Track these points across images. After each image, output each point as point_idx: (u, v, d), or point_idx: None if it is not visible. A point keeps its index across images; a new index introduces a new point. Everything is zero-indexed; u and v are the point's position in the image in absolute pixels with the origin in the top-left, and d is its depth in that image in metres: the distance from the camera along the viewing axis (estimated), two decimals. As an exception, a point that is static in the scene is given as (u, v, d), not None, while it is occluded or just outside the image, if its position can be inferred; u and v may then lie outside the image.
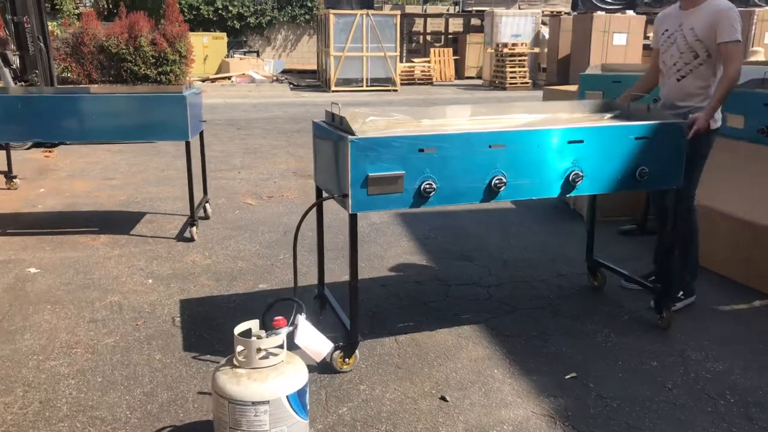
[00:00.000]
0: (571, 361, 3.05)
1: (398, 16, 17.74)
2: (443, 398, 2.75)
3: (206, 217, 5.36)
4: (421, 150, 2.78)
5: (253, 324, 2.33)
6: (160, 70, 15.57)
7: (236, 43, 22.08)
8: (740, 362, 3.04)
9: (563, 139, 2.89)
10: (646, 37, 18.09)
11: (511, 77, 17.76)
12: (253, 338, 2.24)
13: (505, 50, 17.88)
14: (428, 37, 23.72)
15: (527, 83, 17.96)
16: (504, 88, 17.68)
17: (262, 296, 3.84)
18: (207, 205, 5.42)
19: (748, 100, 4.24)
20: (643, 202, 4.95)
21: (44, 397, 2.76)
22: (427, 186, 2.80)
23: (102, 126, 4.51)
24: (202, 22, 21.56)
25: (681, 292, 3.56)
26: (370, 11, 17.58)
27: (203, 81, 18.25)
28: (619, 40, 17.38)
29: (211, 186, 6.05)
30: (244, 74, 18.57)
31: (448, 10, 23.94)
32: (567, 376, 2.91)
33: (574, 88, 9.22)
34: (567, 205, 5.69)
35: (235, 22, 22.04)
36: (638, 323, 3.45)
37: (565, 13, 21.16)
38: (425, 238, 4.88)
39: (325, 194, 3.17)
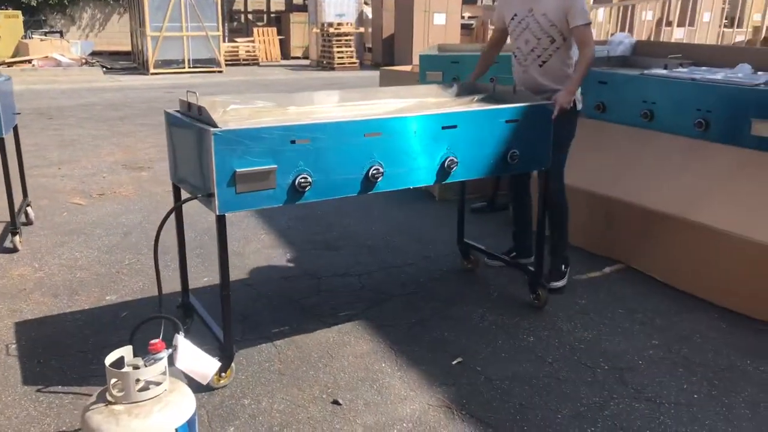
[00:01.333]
0: (454, 346, 3.05)
1: (219, -6, 16.95)
2: (336, 402, 2.61)
3: (29, 223, 4.71)
4: (294, 141, 2.58)
5: (126, 351, 2.02)
6: (-57, 53, 13.61)
7: (34, 22, 19.90)
8: (606, 329, 3.22)
9: (438, 125, 2.83)
10: (462, 17, 18.90)
11: (339, 57, 17.73)
12: (130, 368, 1.94)
13: (331, 30, 17.81)
14: (250, 16, 23.01)
15: (355, 63, 18.05)
16: (332, 68, 17.63)
17: (112, 309, 3.43)
18: (29, 208, 4.76)
19: (585, 78, 4.49)
20: (492, 180, 5.11)
21: None
22: (302, 180, 2.60)
23: None
24: (-9, -1, 19.15)
25: (563, 265, 3.67)
26: (188, -12, 16.62)
27: (-2, 65, 16.23)
28: (438, 20, 17.97)
29: (30, 186, 5.33)
30: (47, 57, 16.76)
31: (268, -11, 23.34)
32: (453, 362, 2.90)
33: (408, 68, 9.36)
34: (417, 185, 5.74)
35: (31, -2, 19.83)
36: (508, 300, 3.53)
37: (386, -8, 21.47)
38: (285, 230, 4.67)
39: (184, 193, 2.86)
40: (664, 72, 4.30)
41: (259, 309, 3.43)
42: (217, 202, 2.49)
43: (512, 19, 3.47)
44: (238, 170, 2.48)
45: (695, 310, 3.42)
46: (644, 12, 16.78)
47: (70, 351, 2.99)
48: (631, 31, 15.30)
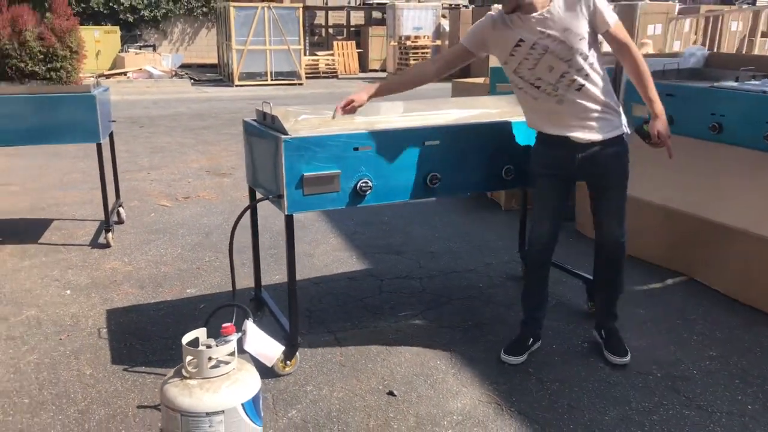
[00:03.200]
0: (509, 348, 3.15)
1: (301, 9, 17.58)
2: (391, 393, 2.77)
3: (120, 222, 5.12)
4: (356, 148, 2.78)
5: (201, 333, 2.25)
6: (49, 66, 14.65)
7: (130, 37, 21.14)
8: (662, 338, 3.24)
9: (495, 134, 2.97)
10: (541, 30, 18.78)
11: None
12: (203, 347, 2.17)
13: (408, 43, 18.12)
14: (330, 30, 23.63)
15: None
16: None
17: (191, 302, 3.72)
18: (120, 208, 5.17)
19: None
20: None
21: (-34, 424, 2.57)
22: (363, 184, 2.80)
23: (3, 129, 4.20)
24: (93, 15, 20.49)
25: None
26: (272, 3, 17.33)
27: (97, 77, 17.35)
28: (516, 33, 17.97)
29: (122, 188, 5.77)
30: (141, 69, 17.81)
31: (349, 3, 23.93)
32: (507, 363, 3.01)
33: (481, 80, 9.47)
34: (483, 194, 5.85)
35: (128, 15, 21.09)
36: (565, 307, 3.60)
37: (464, 6, 21.65)
38: (352, 234, 4.88)
39: (258, 195, 3.11)
40: (734, 84, 4.25)
41: (325, 305, 3.64)
42: (286, 202, 2.71)
43: (517, 46, 2.72)
44: (305, 174, 2.70)
45: (758, 324, 3.39)
46: (732, 22, 16.22)
47: (154, 337, 3.29)
48: (719, 42, 14.83)
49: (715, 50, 11.84)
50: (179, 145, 8.71)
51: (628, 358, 3.01)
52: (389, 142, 2.82)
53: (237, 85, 16.75)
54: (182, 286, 3.93)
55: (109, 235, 4.60)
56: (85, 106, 4.28)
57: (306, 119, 3.23)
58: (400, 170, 2.85)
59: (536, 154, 2.98)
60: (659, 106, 2.80)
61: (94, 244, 4.68)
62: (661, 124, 2.80)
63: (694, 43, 13.62)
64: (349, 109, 2.92)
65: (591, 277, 3.51)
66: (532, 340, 3.09)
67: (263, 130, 2.91)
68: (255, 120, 3.12)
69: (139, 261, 4.34)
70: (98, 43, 18.87)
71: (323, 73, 19.56)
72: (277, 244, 4.65)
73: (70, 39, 14.83)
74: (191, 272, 4.15)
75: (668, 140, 2.82)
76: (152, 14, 21.51)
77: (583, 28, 2.66)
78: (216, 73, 19.50)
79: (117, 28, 19.94)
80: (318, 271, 4.17)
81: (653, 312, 3.54)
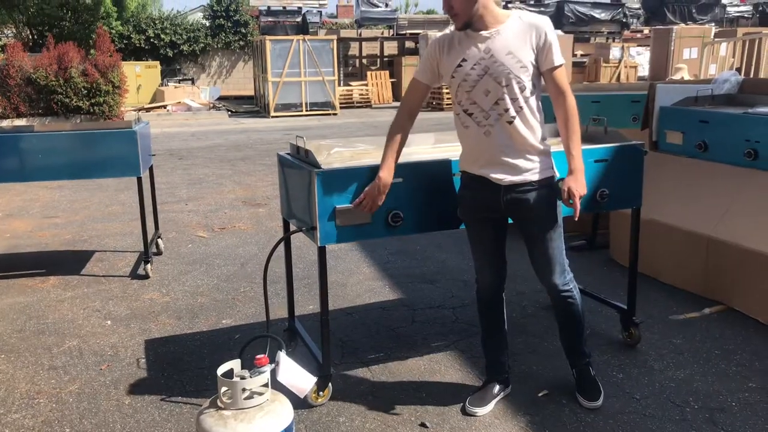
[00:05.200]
0: (542, 379, 3.13)
1: (335, 41, 17.89)
2: (423, 425, 2.77)
3: (159, 253, 5.25)
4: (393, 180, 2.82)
5: (235, 364, 2.30)
6: (93, 101, 15.08)
7: (170, 71, 21.76)
8: (700, 369, 3.18)
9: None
10: (574, 55, 18.79)
11: (448, 98, 18.10)
12: (237, 379, 2.22)
13: (441, 71, 18.24)
14: (364, 61, 23.96)
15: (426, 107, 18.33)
16: (441, 109, 18.02)
17: (227, 332, 3.78)
18: (159, 240, 5.30)
19: (686, 118, 4.48)
20: (591, 218, 5.13)
21: (10, 453, 2.65)
22: (395, 216, 2.84)
23: (49, 165, 4.37)
24: (134, 51, 21.18)
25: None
26: (307, 36, 17.67)
27: (138, 111, 17.86)
28: (549, 59, 17.98)
29: (161, 219, 5.93)
30: (180, 102, 18.29)
31: (382, 34, 24.25)
32: (540, 394, 2.99)
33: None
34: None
35: (167, 50, 21.73)
36: (600, 338, 3.56)
37: (496, 34, 21.75)
38: (385, 263, 4.92)
39: (292, 227, 3.17)
40: (769, 110, 4.21)
41: (357, 336, 3.67)
42: (318, 234, 2.77)
43: (459, 66, 2.62)
44: (338, 206, 2.76)
45: (800, 355, 3.31)
46: (719, 48, 15.97)
47: (190, 367, 3.35)
48: (756, 65, 14.61)
49: (752, 74, 11.68)
50: (216, 176, 8.90)
51: (598, 403, 2.83)
52: (419, 174, 2.86)
53: (273, 116, 17.05)
54: (218, 317, 4.00)
55: (148, 266, 4.72)
56: (126, 141, 4.44)
57: (338, 152, 3.31)
58: (430, 201, 2.89)
59: (462, 198, 2.83)
60: (578, 162, 2.64)
61: (134, 275, 4.80)
62: (574, 182, 2.61)
63: (731, 67, 13.46)
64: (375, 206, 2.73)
65: (625, 307, 3.47)
66: (498, 387, 2.93)
67: (297, 164, 2.98)
68: (289, 153, 3.20)
69: (176, 292, 4.44)
70: (139, 77, 19.45)
71: (357, 102, 19.80)
72: (310, 274, 4.71)
73: (112, 74, 15.27)
74: (227, 303, 4.23)
75: (578, 200, 2.60)
76: (191, 48, 22.13)
77: (527, 57, 2.55)
78: (252, 105, 19.89)
79: (157, 62, 20.55)
80: (350, 301, 4.21)
81: (690, 342, 3.48)
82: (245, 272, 4.81)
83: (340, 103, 18.36)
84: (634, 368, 3.21)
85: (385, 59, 23.72)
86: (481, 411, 2.84)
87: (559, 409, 2.86)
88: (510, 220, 2.87)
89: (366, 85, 20.68)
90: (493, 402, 2.89)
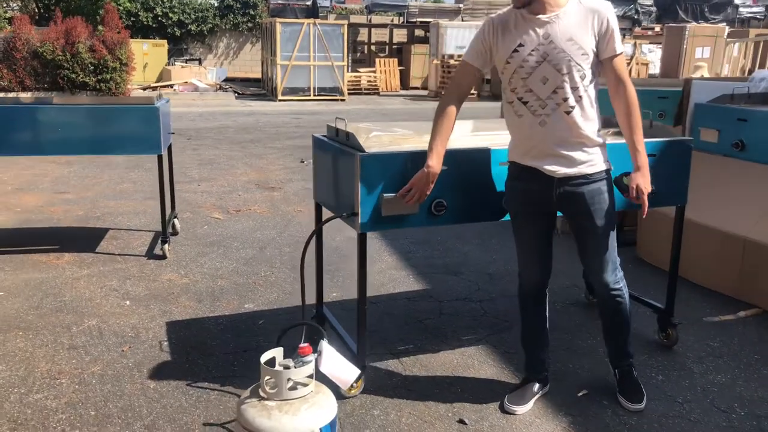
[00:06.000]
0: (579, 378, 3.04)
1: (346, 26, 17.71)
2: (461, 421, 2.68)
3: (175, 233, 5.14)
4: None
5: (277, 352, 2.20)
6: (99, 77, 14.98)
7: (177, 50, 21.56)
8: (741, 374, 3.09)
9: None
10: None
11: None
12: (281, 368, 2.12)
13: (452, 61, 18.09)
14: (373, 47, 23.78)
15: (473, 94, 18.19)
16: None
17: (250, 317, 3.68)
18: (175, 220, 5.19)
19: (723, 116, 4.37)
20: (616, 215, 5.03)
21: (34, 435, 2.55)
22: (438, 204, 2.73)
23: (67, 139, 4.25)
24: (141, 29, 20.96)
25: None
26: (317, 20, 17.50)
27: (144, 89, 17.70)
28: (560, 53, 17.85)
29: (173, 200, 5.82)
30: (187, 82, 18.12)
31: (392, 21, 24.06)
32: (579, 394, 2.89)
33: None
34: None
35: (175, 29, 21.53)
36: (635, 337, 3.46)
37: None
38: (407, 253, 4.82)
39: (326, 212, 3.07)
40: (811, 110, 4.10)
41: (385, 326, 3.57)
42: (360, 221, 2.66)
43: (515, 51, 2.47)
44: (384, 195, 2.64)
45: (842, 363, 3.22)
46: (733, 48, 15.89)
47: (214, 352, 3.25)
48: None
49: None
50: (227, 158, 8.77)
51: (641, 405, 2.73)
52: (465, 162, 2.75)
53: (280, 100, 16.90)
54: (239, 301, 3.90)
55: (166, 246, 4.61)
56: (148, 118, 4.32)
57: (377, 136, 3.20)
58: (475, 191, 2.79)
59: (511, 190, 2.70)
60: (644, 158, 2.54)
61: (150, 254, 4.69)
62: (642, 178, 2.52)
63: (742, 68, 13.35)
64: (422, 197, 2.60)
65: (663, 307, 3.38)
66: (538, 385, 2.83)
67: (336, 147, 2.87)
68: (326, 136, 3.09)
69: (195, 273, 4.33)
70: (146, 55, 19.26)
71: (365, 89, 19.64)
72: (331, 260, 4.60)
73: (120, 51, 15.15)
74: (248, 287, 4.13)
75: (646, 198, 2.52)
76: (199, 29, 21.92)
77: (588, 44, 2.43)
78: (259, 88, 19.72)
79: (165, 41, 20.35)
80: (375, 290, 4.11)
81: (728, 345, 3.39)
82: (264, 256, 4.70)
83: (348, 90, 18.21)
84: (673, 371, 3.12)
85: (394, 47, 23.55)
86: (521, 409, 2.74)
87: (601, 411, 2.76)
88: (560, 214, 2.75)
89: (374, 72, 20.51)
90: (533, 400, 2.80)
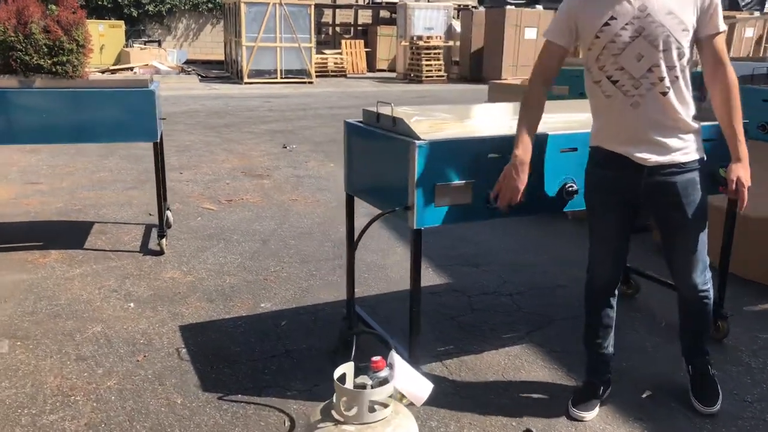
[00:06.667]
0: (637, 377, 2.86)
1: (312, 6, 17.22)
2: (529, 431, 2.47)
3: (168, 226, 4.79)
4: (492, 155, 2.49)
5: (348, 368, 1.95)
6: (55, 60, 14.22)
7: (134, 32, 20.67)
8: (801, 369, 2.97)
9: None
10: (553, 33, 18.59)
11: (427, 70, 17.70)
12: (360, 388, 1.87)
13: (421, 43, 17.82)
14: (338, 29, 23.29)
15: (443, 77, 17.98)
16: (420, 81, 17.61)
17: (269, 317, 3.41)
18: (168, 212, 4.84)
19: (747, 97, 4.23)
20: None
21: (56, 464, 2.25)
22: (496, 196, 2.50)
23: (52, 126, 3.88)
24: (96, 9, 20.01)
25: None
26: (283, 0, 16.96)
27: (102, 72, 16.92)
28: (530, 34, 17.77)
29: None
30: (147, 65, 17.40)
31: (357, 2, 23.59)
32: (643, 395, 2.72)
33: (518, 81, 9.22)
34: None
35: (132, 9, 20.62)
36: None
37: (473, 7, 21.38)
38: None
39: (358, 202, 2.81)
40: (840, 92, 4.00)
41: (419, 325, 3.33)
42: (415, 215, 2.41)
43: (606, 25, 2.25)
44: (438, 183, 2.41)
45: None
46: (744, 29, 16.12)
47: (239, 359, 2.97)
48: (731, 48, 14.69)
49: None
50: (204, 143, 8.36)
51: (716, 408, 2.56)
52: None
53: (246, 83, 16.36)
54: (254, 300, 3.61)
55: (163, 241, 4.27)
56: (143, 102, 3.97)
57: (418, 121, 2.94)
58: (537, 181, 2.56)
59: (592, 177, 2.49)
60: (745, 148, 2.35)
61: (145, 250, 4.35)
62: (743, 170, 2.33)
63: (755, 49, 13.47)
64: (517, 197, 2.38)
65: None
66: (602, 388, 2.63)
67: (380, 134, 2.61)
68: (362, 122, 2.82)
69: (199, 270, 4.02)
70: (102, 37, 18.39)
71: (332, 72, 19.20)
72: (342, 253, 4.33)
73: (76, 32, 14.38)
74: (259, 284, 3.84)
75: (746, 192, 2.34)
76: (156, 9, 21.06)
77: (689, 18, 2.21)
78: (222, 70, 19.09)
79: (122, 22, 19.49)
80: (395, 285, 3.87)
81: (776, 337, 3.27)
82: (270, 250, 4.41)
83: (315, 72, 17.76)
84: (730, 366, 2.97)
85: (359, 28, 23.11)
86: (589, 415, 2.55)
87: (670, 414, 2.60)
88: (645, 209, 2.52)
89: (341, 53, 20.08)
90: (598, 405, 2.61)
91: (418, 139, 2.38)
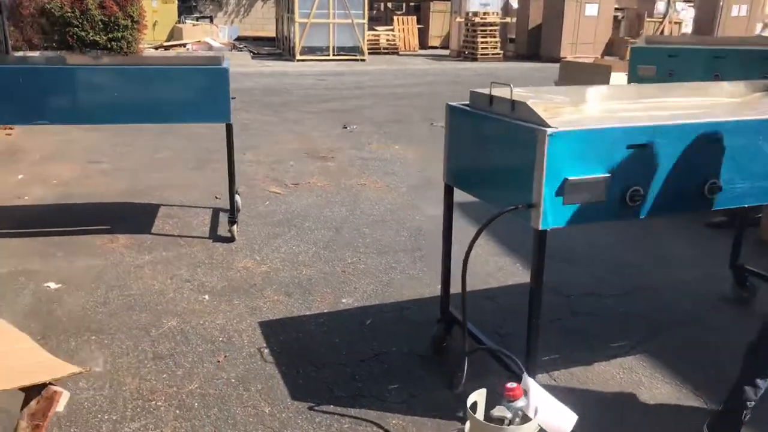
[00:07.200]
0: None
1: (366, -19, 16.85)
2: (663, 461, 2.18)
3: (237, 210, 4.58)
4: (632, 146, 2.17)
5: (479, 395, 1.68)
6: (110, 36, 14.19)
7: (186, 8, 20.66)
8: None
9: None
10: (615, 8, 17.85)
11: (482, 47, 17.19)
12: (488, 418, 1.60)
13: (476, 19, 17.29)
14: (389, 5, 22.86)
15: (499, 54, 17.45)
16: (475, 59, 17.12)
17: (353, 315, 3.17)
18: (237, 197, 4.62)
19: None
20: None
21: (143, 482, 2.05)
22: (634, 193, 2.19)
23: (129, 105, 3.67)
24: (149, -16, 20.01)
25: None
26: (337, -25, 16.62)
27: (156, 48, 16.93)
28: (590, 11, 17.08)
29: (224, 171, 5.25)
30: (200, 41, 17.33)
31: (409, -23, 23.07)
32: (785, 420, 2.39)
33: (589, 59, 8.75)
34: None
35: (184, -16, 20.60)
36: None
37: (530, -18, 20.64)
38: (499, 235, 4.26)
39: (457, 193, 2.52)
40: None
41: (513, 328, 3.05)
42: (541, 214, 2.12)
43: None
44: (569, 178, 2.10)
45: None
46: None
47: (327, 362, 2.74)
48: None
49: None
50: (262, 123, 8.17)
51: None
52: (671, 140, 2.19)
53: (298, 60, 16.15)
54: (334, 294, 3.38)
55: (234, 227, 4.07)
56: (216, 81, 3.75)
57: (534, 104, 2.62)
58: (676, 176, 2.23)
59: None
60: None
61: (215, 236, 4.15)
62: None
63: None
64: None
65: None
66: (748, 415, 2.31)
67: (496, 119, 2.31)
68: (468, 105, 2.52)
69: (273, 260, 3.80)
70: (155, 13, 18.41)
71: (384, 49, 18.85)
72: (420, 244, 4.07)
73: (131, 8, 14.33)
74: (337, 276, 3.60)
75: None
76: (208, -16, 20.99)
77: None
78: (273, 47, 18.91)
79: (174, -2, 19.47)
80: (483, 282, 3.59)
81: None
82: (344, 239, 4.16)
83: (367, 49, 17.43)
84: None
85: (412, 4, 22.64)
86: None
87: (825, 446, 2.27)
88: None
89: (392, 30, 19.69)
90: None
91: (549, 126, 2.07)
